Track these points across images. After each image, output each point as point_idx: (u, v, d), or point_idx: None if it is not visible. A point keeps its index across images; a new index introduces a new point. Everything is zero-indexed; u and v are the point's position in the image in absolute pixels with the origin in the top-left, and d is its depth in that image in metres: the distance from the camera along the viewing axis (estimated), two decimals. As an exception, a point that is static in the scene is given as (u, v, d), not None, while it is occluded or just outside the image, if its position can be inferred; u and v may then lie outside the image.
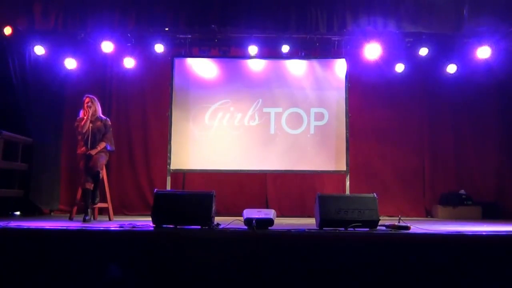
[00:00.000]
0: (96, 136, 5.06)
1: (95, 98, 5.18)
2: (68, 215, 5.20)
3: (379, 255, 3.23)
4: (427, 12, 5.55)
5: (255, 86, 6.39)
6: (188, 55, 6.45)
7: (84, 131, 4.99)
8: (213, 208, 3.67)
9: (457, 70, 6.56)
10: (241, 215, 3.72)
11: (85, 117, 5.02)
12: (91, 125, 5.03)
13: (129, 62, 6.56)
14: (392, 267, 3.21)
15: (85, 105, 5.06)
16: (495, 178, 6.95)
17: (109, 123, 5.23)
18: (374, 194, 3.82)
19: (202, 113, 6.34)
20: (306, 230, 3.48)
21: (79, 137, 5.06)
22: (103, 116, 5.22)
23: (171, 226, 3.60)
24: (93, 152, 4.94)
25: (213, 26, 5.92)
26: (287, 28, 5.71)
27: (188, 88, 6.38)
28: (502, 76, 6.57)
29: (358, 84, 6.59)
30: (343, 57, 6.35)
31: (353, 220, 3.60)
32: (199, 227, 3.57)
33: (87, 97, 5.12)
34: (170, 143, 6.25)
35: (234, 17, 5.65)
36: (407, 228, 3.63)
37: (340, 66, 6.35)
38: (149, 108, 7.08)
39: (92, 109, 5.06)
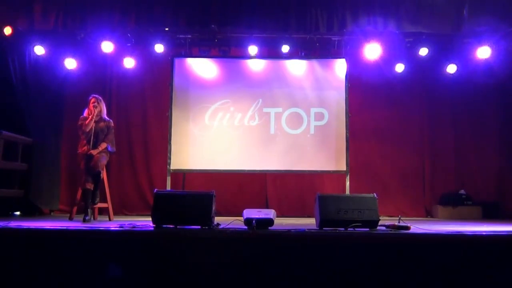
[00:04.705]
0: (99, 136, 5.06)
1: (101, 99, 5.18)
2: (68, 215, 5.20)
3: (379, 255, 3.23)
4: (427, 12, 5.55)
5: (255, 86, 6.39)
6: (188, 55, 6.45)
7: (87, 130, 4.99)
8: (213, 208, 3.66)
9: (457, 70, 6.57)
10: (241, 215, 3.72)
11: (89, 117, 5.02)
12: (94, 125, 5.03)
13: (129, 62, 6.56)
14: (392, 267, 3.21)
15: (91, 105, 5.07)
16: (495, 178, 6.95)
17: (112, 124, 5.24)
18: (374, 194, 3.82)
19: (202, 113, 6.34)
20: (306, 230, 3.47)
21: (82, 136, 5.05)
22: (107, 118, 5.23)
23: (171, 226, 3.59)
24: (94, 152, 4.94)
25: (213, 26, 5.92)
26: (287, 28, 5.72)
27: (188, 88, 6.38)
28: (502, 76, 6.56)
29: (358, 84, 6.59)
30: (343, 57, 6.35)
31: (353, 220, 3.60)
32: (199, 227, 3.56)
33: (93, 97, 5.13)
34: (170, 143, 6.25)
35: (234, 17, 5.65)
36: (407, 228, 3.62)
37: (340, 66, 6.35)
38: (149, 108, 7.09)
39: (98, 109, 5.07)
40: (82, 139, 5.06)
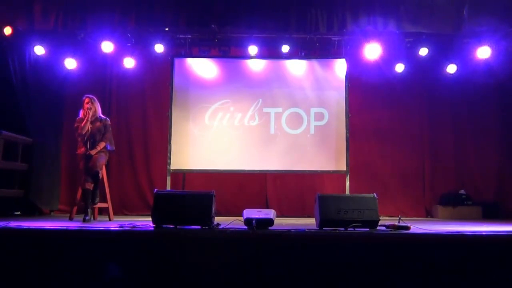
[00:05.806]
0: (96, 136, 5.05)
1: (95, 98, 5.15)
2: (68, 215, 5.20)
3: (379, 255, 3.23)
4: (427, 12, 5.54)
5: (255, 86, 6.39)
6: (188, 55, 6.45)
7: (83, 133, 4.98)
8: (213, 208, 3.66)
9: (457, 70, 6.56)
10: (241, 215, 3.72)
11: (85, 119, 5.00)
12: (90, 125, 5.02)
13: (129, 62, 6.56)
14: (392, 267, 3.21)
15: (85, 106, 5.03)
16: (495, 178, 6.95)
17: (109, 123, 5.21)
18: (374, 194, 3.82)
19: (202, 113, 6.34)
20: (306, 230, 3.47)
21: (79, 139, 5.05)
22: (102, 116, 5.20)
23: (171, 226, 3.59)
24: (93, 152, 4.93)
25: (213, 26, 5.92)
26: (287, 28, 5.71)
27: (188, 88, 6.38)
28: (502, 76, 6.57)
29: (358, 84, 6.59)
30: (343, 57, 6.35)
31: (353, 220, 3.60)
32: (199, 227, 3.57)
33: (86, 97, 5.08)
34: (170, 143, 6.25)
35: (234, 17, 5.65)
36: (407, 228, 3.62)
37: (340, 66, 6.35)
38: (149, 108, 7.09)
39: (92, 111, 5.04)
40: (79, 141, 5.05)
